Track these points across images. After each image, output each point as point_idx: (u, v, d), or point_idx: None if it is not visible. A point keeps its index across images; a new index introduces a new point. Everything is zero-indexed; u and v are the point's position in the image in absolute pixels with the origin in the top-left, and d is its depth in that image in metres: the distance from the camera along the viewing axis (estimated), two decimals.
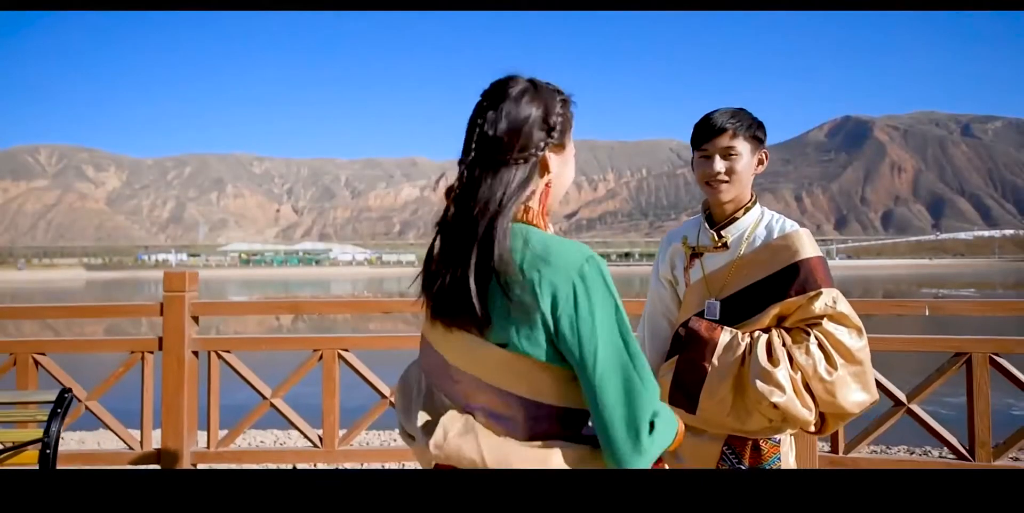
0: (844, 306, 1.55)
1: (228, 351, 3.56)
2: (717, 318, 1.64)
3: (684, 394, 1.59)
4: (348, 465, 3.92)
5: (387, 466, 3.91)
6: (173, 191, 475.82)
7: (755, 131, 1.66)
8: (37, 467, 2.72)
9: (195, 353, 3.55)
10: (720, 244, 1.69)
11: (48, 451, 2.68)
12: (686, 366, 1.60)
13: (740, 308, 1.63)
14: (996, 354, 3.21)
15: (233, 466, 3.91)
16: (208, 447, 3.55)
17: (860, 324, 1.56)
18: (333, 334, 3.69)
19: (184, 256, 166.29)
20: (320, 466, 3.88)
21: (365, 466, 3.92)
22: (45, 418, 2.81)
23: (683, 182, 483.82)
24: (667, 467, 1.27)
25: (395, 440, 4.64)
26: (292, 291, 47.05)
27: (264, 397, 3.56)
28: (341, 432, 3.59)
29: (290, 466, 3.98)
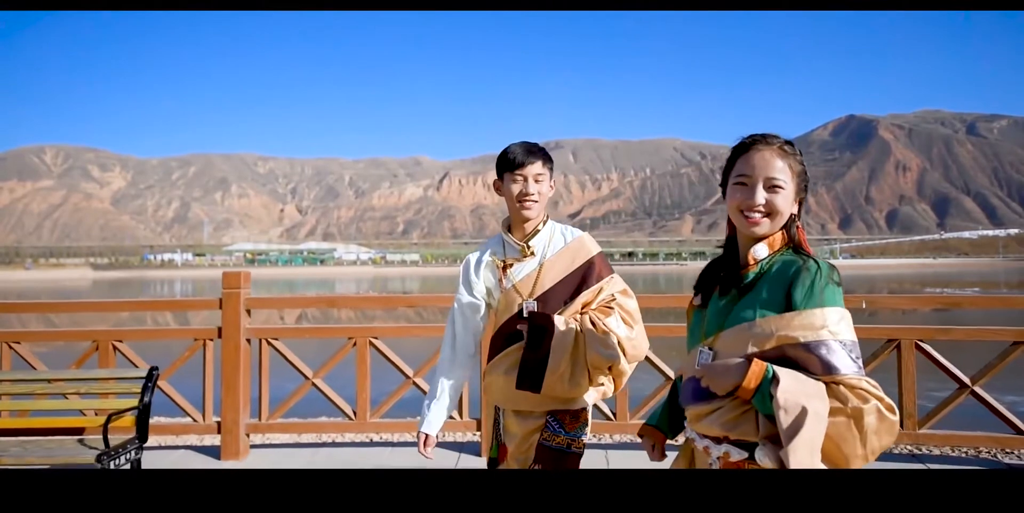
0: (624, 284, 2.06)
1: (276, 338, 4.21)
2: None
3: (530, 376, 1.88)
4: (377, 435, 4.55)
5: (411, 437, 4.54)
6: (178, 191, 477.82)
7: (552, 162, 2.08)
8: (135, 430, 3.35)
9: (248, 341, 4.20)
10: (529, 253, 2.04)
11: (142, 417, 3.34)
12: (530, 353, 1.89)
13: (553, 301, 1.98)
14: (921, 340, 3.81)
15: (281, 434, 4.55)
16: (260, 419, 4.20)
17: (633, 294, 2.07)
18: (364, 325, 4.33)
19: (190, 256, 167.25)
20: (352, 438, 4.51)
21: (391, 437, 4.55)
22: (126, 391, 3.49)
23: (687, 181, 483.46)
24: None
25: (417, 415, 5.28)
26: (297, 291, 47.68)
27: (307, 377, 4.20)
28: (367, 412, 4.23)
29: (330, 436, 4.62)
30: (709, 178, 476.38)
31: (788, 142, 1.45)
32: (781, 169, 1.41)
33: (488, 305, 2.11)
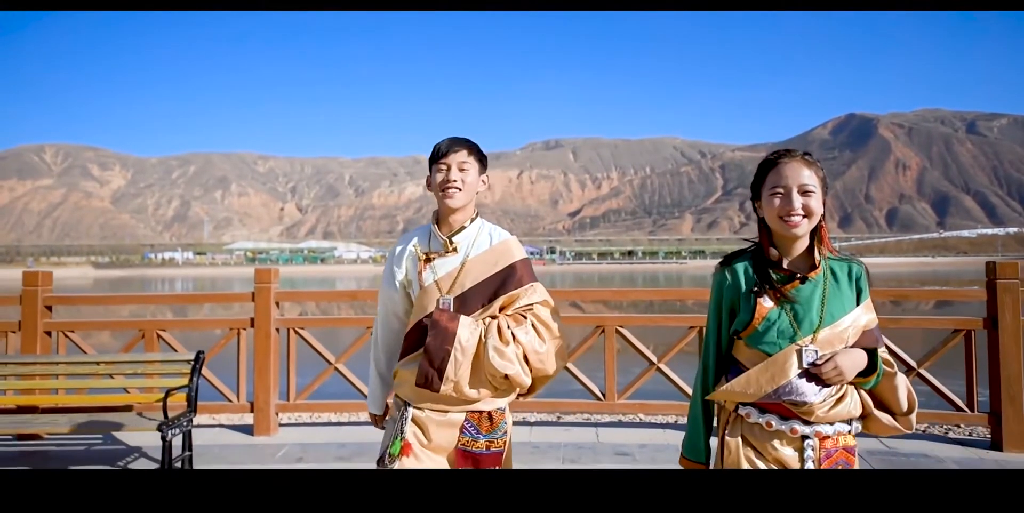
0: (546, 295, 2.02)
1: (303, 328, 4.70)
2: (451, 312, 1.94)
3: (430, 375, 1.86)
4: None
5: None
6: (178, 190, 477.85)
7: (482, 156, 2.04)
8: (187, 405, 3.84)
9: (277, 330, 4.70)
10: (452, 249, 1.99)
11: (192, 394, 3.85)
12: (433, 351, 1.86)
13: (471, 302, 1.95)
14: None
15: (308, 414, 5.05)
16: (288, 400, 4.70)
17: (556, 307, 2.03)
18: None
19: (190, 254, 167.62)
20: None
21: None
22: (175, 372, 4.02)
23: (686, 180, 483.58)
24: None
25: None
26: (298, 289, 48.21)
27: (330, 363, 4.70)
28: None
29: (354, 416, 5.12)
30: (709, 177, 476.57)
31: (807, 154, 1.67)
32: (809, 176, 1.63)
33: (408, 295, 2.06)
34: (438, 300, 1.94)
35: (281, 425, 4.81)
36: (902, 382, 1.63)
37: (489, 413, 1.94)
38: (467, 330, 1.88)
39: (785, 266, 1.66)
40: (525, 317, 1.95)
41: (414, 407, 1.94)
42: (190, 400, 3.85)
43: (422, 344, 1.92)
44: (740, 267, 1.72)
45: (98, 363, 4.28)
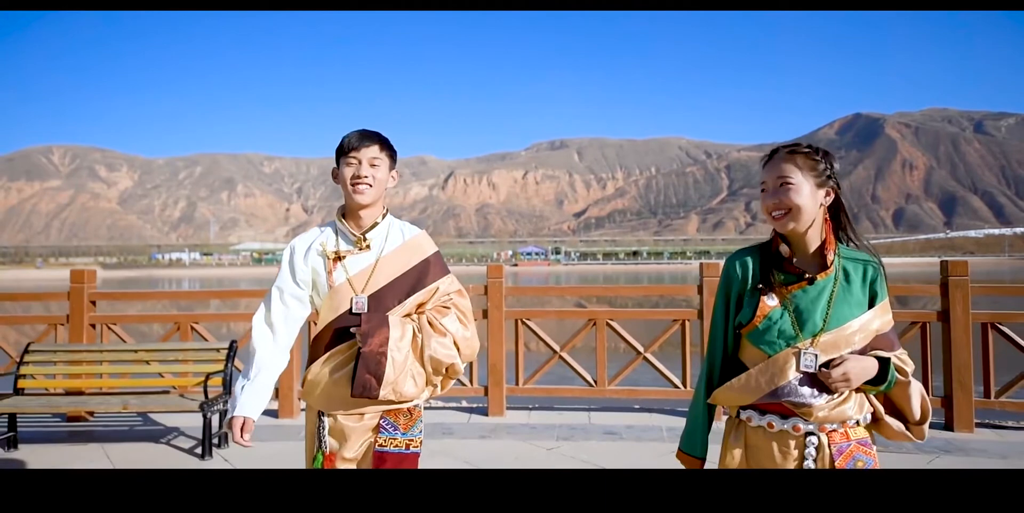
0: (459, 284, 2.03)
1: None
2: (366, 311, 1.86)
3: (369, 383, 1.79)
4: None
5: (434, 402, 5.52)
6: (184, 191, 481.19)
7: (393, 151, 1.99)
8: (222, 388, 4.30)
9: None
10: (365, 246, 1.94)
11: (228, 378, 4.34)
12: (369, 357, 1.78)
13: (386, 300, 1.89)
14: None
15: None
16: None
17: (467, 294, 2.04)
18: None
19: (197, 255, 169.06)
20: None
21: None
22: (210, 359, 4.51)
23: (692, 180, 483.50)
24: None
25: None
26: None
27: None
28: None
29: None
30: (714, 177, 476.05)
31: (805, 147, 1.62)
32: (788, 169, 1.58)
33: (311, 298, 1.97)
34: (351, 299, 1.88)
35: (303, 410, 5.29)
36: (916, 391, 1.58)
37: (408, 409, 1.92)
38: (399, 330, 1.84)
39: (795, 263, 1.60)
40: (448, 308, 1.96)
41: (327, 415, 1.88)
42: (226, 383, 4.34)
43: (337, 344, 1.87)
44: (749, 261, 1.66)
45: (136, 351, 4.79)
